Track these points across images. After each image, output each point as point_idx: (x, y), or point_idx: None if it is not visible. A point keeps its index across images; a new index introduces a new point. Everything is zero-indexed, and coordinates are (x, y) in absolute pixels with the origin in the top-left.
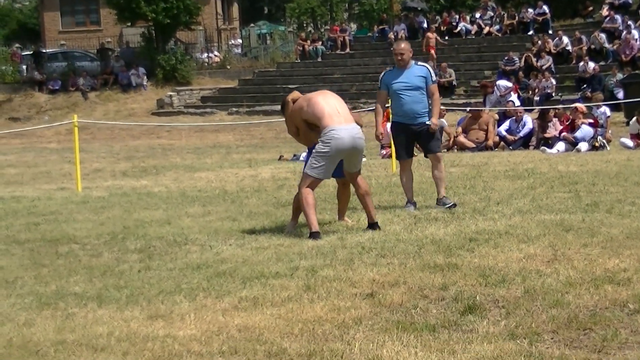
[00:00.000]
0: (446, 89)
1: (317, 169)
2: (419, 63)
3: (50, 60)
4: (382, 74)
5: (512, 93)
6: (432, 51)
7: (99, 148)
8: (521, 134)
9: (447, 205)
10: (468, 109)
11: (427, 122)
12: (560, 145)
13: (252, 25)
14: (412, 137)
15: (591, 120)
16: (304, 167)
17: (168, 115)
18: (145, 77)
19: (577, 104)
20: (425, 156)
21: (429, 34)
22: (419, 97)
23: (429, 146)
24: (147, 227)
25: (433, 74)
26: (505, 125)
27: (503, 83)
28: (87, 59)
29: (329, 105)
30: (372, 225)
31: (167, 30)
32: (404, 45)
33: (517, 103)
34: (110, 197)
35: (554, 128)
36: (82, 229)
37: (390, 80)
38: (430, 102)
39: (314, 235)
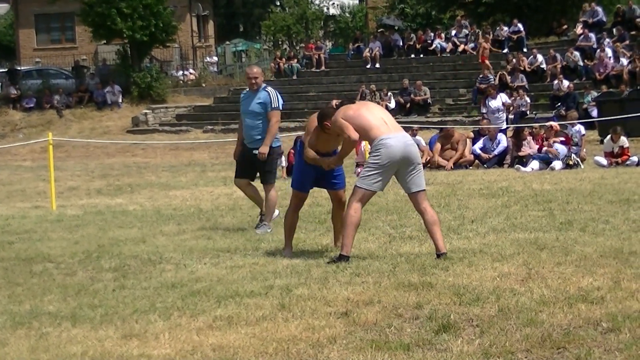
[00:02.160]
0: (421, 107)
1: (368, 181)
2: (267, 88)
3: (25, 77)
4: (241, 94)
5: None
6: (486, 61)
7: (74, 166)
8: (496, 152)
9: (261, 229)
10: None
11: (254, 151)
12: (535, 164)
13: (227, 42)
14: (248, 160)
15: (563, 138)
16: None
17: (143, 133)
18: (120, 94)
19: (552, 122)
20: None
21: (484, 44)
22: (255, 123)
23: (261, 176)
24: (121, 245)
25: (275, 100)
26: (480, 143)
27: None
28: (62, 77)
29: (375, 117)
30: (440, 256)
31: (143, 47)
32: (256, 70)
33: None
34: (84, 215)
35: (529, 146)
36: (57, 248)
37: (241, 102)
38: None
39: (343, 258)
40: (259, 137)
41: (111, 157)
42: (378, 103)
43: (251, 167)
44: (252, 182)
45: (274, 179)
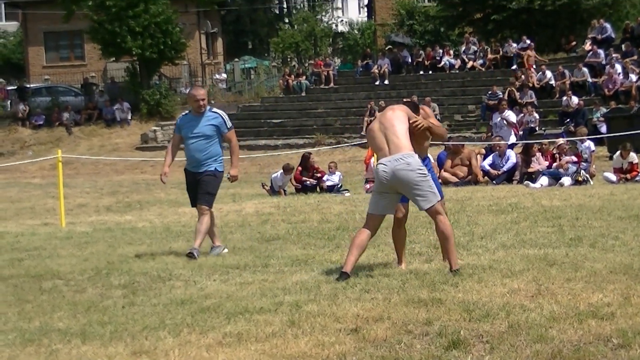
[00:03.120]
0: None
1: (370, 204)
2: (213, 109)
3: (34, 95)
4: (178, 117)
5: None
6: (532, 68)
7: (83, 183)
8: (504, 169)
9: (192, 255)
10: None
11: (227, 176)
12: (544, 180)
13: (236, 59)
14: (195, 185)
15: (575, 159)
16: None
17: (152, 150)
18: (129, 111)
19: (561, 140)
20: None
21: (529, 52)
22: (203, 146)
23: (197, 197)
24: (131, 262)
25: (228, 120)
26: (489, 159)
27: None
28: (71, 94)
29: (380, 138)
30: (453, 272)
31: (152, 65)
32: (203, 91)
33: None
34: (94, 232)
35: (538, 162)
36: (66, 265)
37: (183, 126)
38: (223, 150)
39: (341, 275)
40: (209, 160)
41: (120, 174)
42: None
43: (197, 192)
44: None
45: (212, 203)
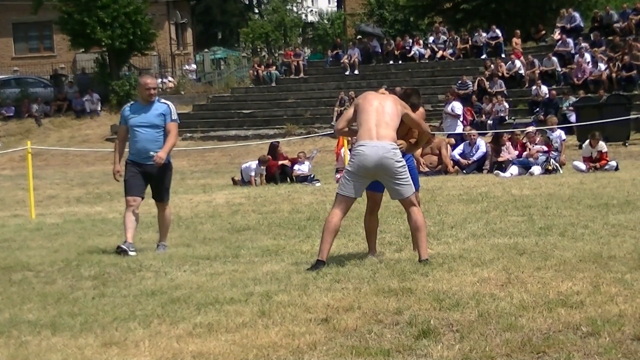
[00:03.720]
0: None
1: (342, 185)
2: (162, 100)
3: (3, 86)
4: (123, 108)
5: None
6: (521, 57)
7: (53, 174)
8: (474, 158)
9: (159, 250)
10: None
11: (152, 153)
12: (514, 169)
13: (206, 50)
14: (142, 176)
15: (545, 148)
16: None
17: None
18: (99, 102)
19: (531, 128)
20: (155, 199)
21: (515, 40)
22: (154, 136)
23: (156, 194)
24: (101, 253)
25: (174, 112)
26: (459, 149)
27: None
28: (40, 85)
29: (370, 118)
30: (422, 261)
31: (121, 56)
32: (154, 80)
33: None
34: (64, 223)
35: (508, 152)
36: (36, 256)
37: (130, 116)
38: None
39: (316, 264)
40: (158, 150)
41: (90, 165)
42: None
43: (144, 183)
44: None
45: (168, 196)
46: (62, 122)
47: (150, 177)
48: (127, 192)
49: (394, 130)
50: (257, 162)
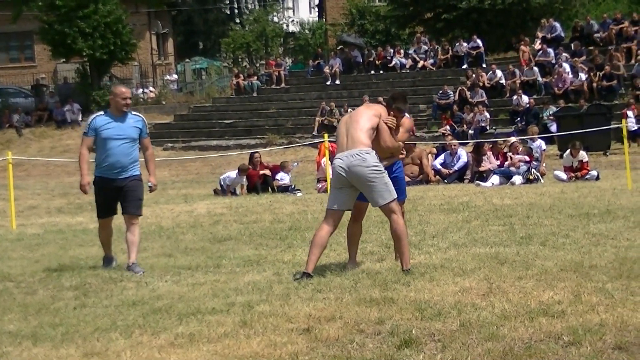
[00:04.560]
0: None
1: (329, 200)
2: (134, 112)
3: None
4: (92, 118)
5: None
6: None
7: (34, 185)
8: (456, 168)
9: (138, 273)
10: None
11: (149, 184)
12: (495, 179)
13: (187, 60)
14: (114, 194)
15: (527, 158)
16: None
17: None
18: (80, 113)
19: (513, 138)
20: (127, 213)
21: (523, 48)
22: (128, 149)
23: (128, 206)
24: (82, 264)
25: (146, 126)
26: (440, 158)
27: None
28: (21, 95)
29: (343, 132)
30: (405, 271)
31: (102, 66)
32: (128, 90)
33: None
34: (45, 234)
35: (489, 161)
36: (17, 267)
37: (101, 127)
38: (141, 156)
39: (302, 275)
40: (134, 164)
41: (71, 175)
42: (338, 121)
43: (116, 201)
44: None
45: (141, 210)
46: (43, 132)
47: (121, 191)
48: (100, 214)
49: (366, 132)
50: (236, 171)
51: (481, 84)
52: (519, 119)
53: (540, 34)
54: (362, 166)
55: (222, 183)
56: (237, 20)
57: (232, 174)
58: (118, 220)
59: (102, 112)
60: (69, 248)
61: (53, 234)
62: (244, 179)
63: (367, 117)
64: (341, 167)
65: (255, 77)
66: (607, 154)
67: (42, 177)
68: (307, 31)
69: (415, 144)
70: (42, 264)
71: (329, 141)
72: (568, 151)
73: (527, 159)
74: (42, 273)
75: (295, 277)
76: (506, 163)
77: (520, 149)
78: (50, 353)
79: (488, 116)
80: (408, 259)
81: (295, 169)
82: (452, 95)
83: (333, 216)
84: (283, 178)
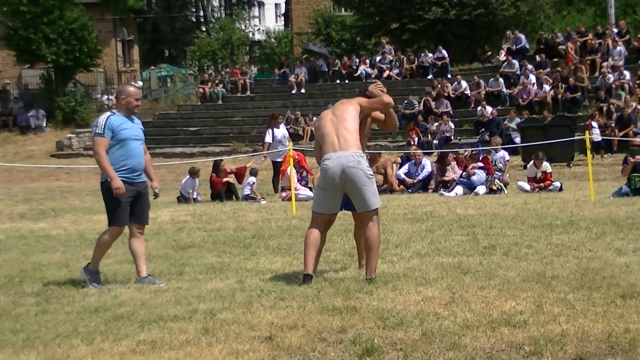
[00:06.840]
0: None
1: (315, 202)
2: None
3: None
4: (105, 118)
5: None
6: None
7: None
8: (420, 177)
9: (162, 285)
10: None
11: (155, 190)
12: (459, 189)
13: (152, 67)
14: (133, 199)
15: (481, 164)
16: None
17: (67, 157)
18: (44, 118)
19: (468, 150)
20: (139, 222)
21: (570, 44)
22: (141, 152)
23: (144, 214)
24: (44, 270)
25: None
26: (405, 168)
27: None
28: None
29: (330, 129)
30: (368, 279)
31: (67, 72)
32: (139, 90)
33: None
34: (7, 239)
35: (453, 171)
36: None
37: (119, 127)
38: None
39: (305, 278)
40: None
41: (35, 181)
42: (303, 129)
43: (131, 207)
44: None
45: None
46: (7, 138)
47: (138, 197)
48: (122, 221)
49: (355, 131)
50: (188, 176)
51: (446, 94)
52: (483, 129)
53: (505, 46)
54: (358, 168)
55: (182, 192)
56: (204, 29)
57: (189, 179)
58: (82, 226)
59: (112, 112)
60: (31, 254)
61: (15, 240)
62: (197, 181)
63: (352, 116)
64: (334, 167)
65: (221, 85)
66: (571, 165)
67: (5, 182)
68: (273, 40)
69: (380, 153)
70: (4, 269)
71: (294, 149)
72: (532, 162)
73: (481, 164)
74: (3, 279)
75: (300, 283)
76: (463, 173)
77: (481, 157)
78: (10, 359)
79: (453, 126)
80: (374, 268)
81: (262, 163)
82: (417, 105)
83: (322, 218)
84: (245, 189)
